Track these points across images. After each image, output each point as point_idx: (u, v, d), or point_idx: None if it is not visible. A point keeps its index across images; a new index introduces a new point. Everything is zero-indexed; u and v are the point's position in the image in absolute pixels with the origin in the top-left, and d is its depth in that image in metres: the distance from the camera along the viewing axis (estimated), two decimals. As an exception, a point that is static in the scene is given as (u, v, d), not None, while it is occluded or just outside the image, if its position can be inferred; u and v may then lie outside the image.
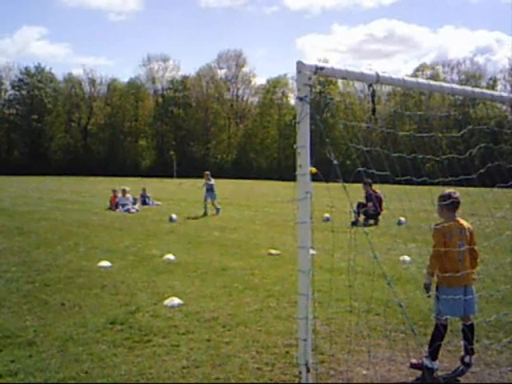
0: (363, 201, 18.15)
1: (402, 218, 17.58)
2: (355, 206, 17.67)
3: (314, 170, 4.07)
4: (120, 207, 22.50)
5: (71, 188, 40.38)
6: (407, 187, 6.46)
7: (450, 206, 5.51)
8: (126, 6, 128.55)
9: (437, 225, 5.58)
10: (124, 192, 23.48)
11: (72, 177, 67.04)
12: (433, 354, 5.42)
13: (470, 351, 5.54)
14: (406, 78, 4.59)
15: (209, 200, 21.34)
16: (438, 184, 5.85)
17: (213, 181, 21.89)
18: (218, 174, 65.23)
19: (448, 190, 5.60)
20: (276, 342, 6.23)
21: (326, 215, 17.70)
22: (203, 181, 21.97)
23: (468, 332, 5.56)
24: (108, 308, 7.63)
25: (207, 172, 22.44)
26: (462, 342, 5.73)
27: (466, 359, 5.56)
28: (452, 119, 66.03)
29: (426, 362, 5.41)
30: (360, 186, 17.52)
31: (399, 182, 5.62)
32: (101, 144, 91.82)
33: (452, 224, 5.51)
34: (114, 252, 12.14)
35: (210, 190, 21.45)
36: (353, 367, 5.49)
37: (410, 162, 5.30)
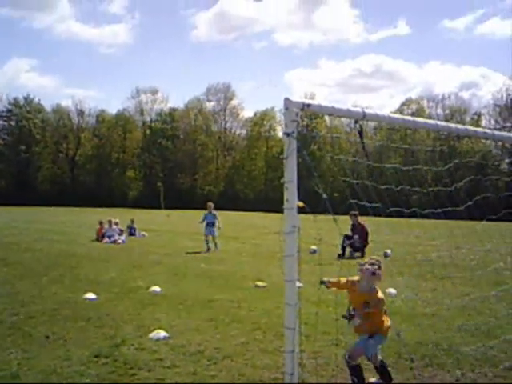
0: (349, 233, 18.21)
1: (388, 251, 17.65)
2: (342, 238, 17.72)
3: (300, 204, 4.12)
4: (106, 238, 22.41)
5: (58, 219, 40.11)
6: (394, 220, 6.53)
7: None
8: (117, 38, 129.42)
9: None
10: (110, 223, 23.43)
11: (59, 207, 66.57)
12: None
13: None
14: (391, 115, 4.68)
15: (210, 236, 19.90)
16: (421, 217, 5.91)
17: (216, 214, 20.53)
18: (206, 206, 65.18)
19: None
20: (262, 376, 6.19)
21: (313, 247, 17.70)
22: (201, 214, 20.66)
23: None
24: (93, 341, 7.55)
25: (210, 203, 21.14)
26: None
27: None
28: (437, 153, 66.70)
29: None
30: (347, 218, 17.62)
31: (385, 215, 5.68)
32: (88, 175, 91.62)
33: None
34: (99, 284, 12.05)
35: (211, 224, 20.13)
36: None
37: (396, 194, 5.38)
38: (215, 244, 20.01)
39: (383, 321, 5.77)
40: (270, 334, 7.93)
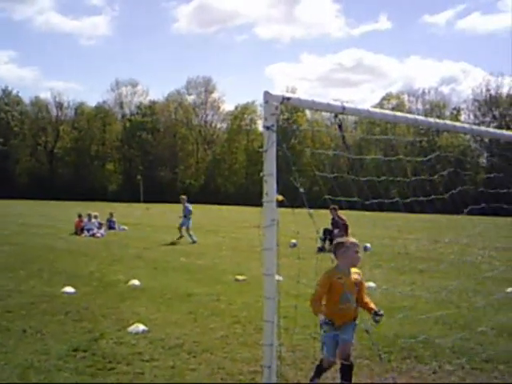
0: (329, 227, 18.27)
1: (368, 244, 17.76)
2: (322, 232, 17.78)
3: (280, 197, 4.11)
4: (85, 232, 22.26)
5: (36, 212, 39.76)
6: (374, 213, 6.56)
7: None
8: (97, 30, 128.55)
9: None
10: (90, 216, 23.28)
11: (37, 201, 65.99)
12: None
13: None
14: (371, 109, 4.68)
15: (184, 227, 20.45)
16: (401, 211, 5.92)
17: (190, 207, 21.04)
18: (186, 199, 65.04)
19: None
20: (241, 369, 6.19)
21: (293, 241, 17.76)
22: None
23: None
24: (71, 335, 7.49)
25: (183, 196, 21.67)
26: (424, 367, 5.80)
27: None
28: (417, 147, 67.26)
29: None
30: (326, 212, 17.68)
31: (365, 209, 5.69)
32: (67, 168, 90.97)
33: None
34: (78, 278, 11.96)
35: (185, 216, 20.66)
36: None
37: (376, 187, 5.40)
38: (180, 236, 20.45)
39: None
40: (249, 328, 7.93)
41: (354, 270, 5.51)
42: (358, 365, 6.30)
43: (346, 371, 5.38)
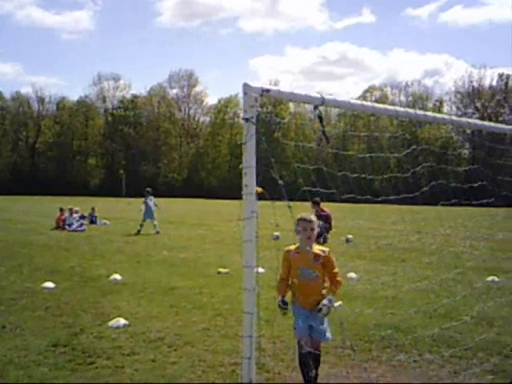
0: (313, 219, 18.27)
1: (350, 236, 17.83)
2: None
3: (259, 189, 4.09)
4: (67, 227, 22.11)
5: (17, 207, 39.41)
6: (356, 205, 6.56)
7: None
8: (79, 25, 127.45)
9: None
10: (71, 211, 23.11)
11: (19, 196, 65.40)
12: None
13: None
14: (351, 100, 4.66)
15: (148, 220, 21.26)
16: (383, 202, 5.93)
17: (151, 200, 21.67)
18: (169, 193, 64.81)
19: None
20: (222, 361, 6.17)
21: (276, 233, 17.74)
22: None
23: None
24: (51, 330, 7.42)
25: (148, 189, 22.24)
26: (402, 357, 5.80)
27: None
28: (400, 139, 67.55)
29: None
30: (308, 204, 17.71)
31: (348, 201, 5.69)
32: (49, 163, 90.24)
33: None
34: (59, 273, 11.86)
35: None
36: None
37: (359, 180, 5.39)
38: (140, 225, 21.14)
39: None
40: (231, 320, 7.92)
41: (318, 247, 5.41)
42: (338, 354, 6.33)
43: (316, 360, 5.35)
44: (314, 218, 5.39)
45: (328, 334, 5.33)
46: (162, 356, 6.36)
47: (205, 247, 16.82)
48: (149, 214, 21.25)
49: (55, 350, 6.55)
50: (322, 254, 5.30)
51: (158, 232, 20.80)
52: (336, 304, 5.39)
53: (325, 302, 5.08)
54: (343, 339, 6.45)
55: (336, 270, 5.33)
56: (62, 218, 22.77)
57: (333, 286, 5.26)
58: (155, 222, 21.23)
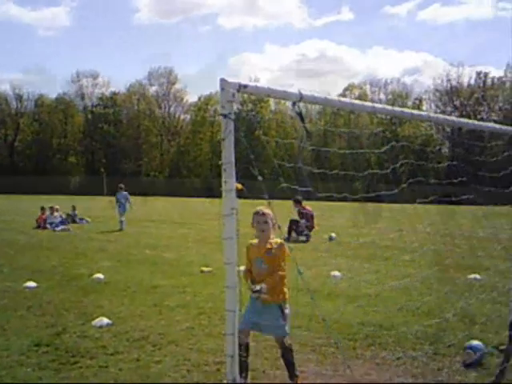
0: (296, 218, 18.35)
1: (333, 234, 17.90)
2: (288, 222, 17.86)
3: (239, 186, 4.09)
4: (48, 226, 21.91)
5: (-4, 206, 38.95)
6: (339, 204, 6.58)
7: None
8: (56, 21, 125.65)
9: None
10: (52, 210, 22.92)
11: (-3, 195, 64.70)
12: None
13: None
14: (328, 97, 4.67)
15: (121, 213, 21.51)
16: (366, 201, 5.95)
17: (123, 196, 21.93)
18: (151, 191, 64.53)
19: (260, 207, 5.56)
20: (207, 360, 6.18)
21: (258, 232, 17.78)
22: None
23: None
24: (33, 330, 7.37)
25: (121, 184, 22.39)
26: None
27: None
28: (380, 137, 67.91)
29: None
30: (289, 202, 17.79)
31: (329, 199, 5.71)
32: (28, 161, 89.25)
33: None
34: (40, 272, 11.76)
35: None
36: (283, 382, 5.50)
37: (339, 179, 5.41)
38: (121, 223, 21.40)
39: (285, 283, 5.41)
40: (215, 319, 7.92)
41: (276, 240, 5.44)
42: (323, 353, 6.36)
43: (287, 353, 5.41)
44: (267, 211, 5.38)
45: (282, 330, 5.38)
46: (146, 355, 6.35)
47: (187, 246, 16.79)
48: (121, 208, 21.64)
49: (38, 350, 6.51)
50: (275, 247, 5.37)
51: (121, 229, 21.06)
52: (286, 309, 5.40)
53: (258, 287, 5.12)
54: (328, 337, 6.49)
55: (283, 263, 5.35)
56: (43, 217, 22.56)
57: (270, 277, 5.27)
58: (122, 218, 21.49)
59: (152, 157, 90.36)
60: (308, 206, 18.56)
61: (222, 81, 3.95)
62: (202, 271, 11.90)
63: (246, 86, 3.99)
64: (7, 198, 54.36)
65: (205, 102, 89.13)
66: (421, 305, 8.31)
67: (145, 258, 14.18)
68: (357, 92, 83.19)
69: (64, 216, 23.46)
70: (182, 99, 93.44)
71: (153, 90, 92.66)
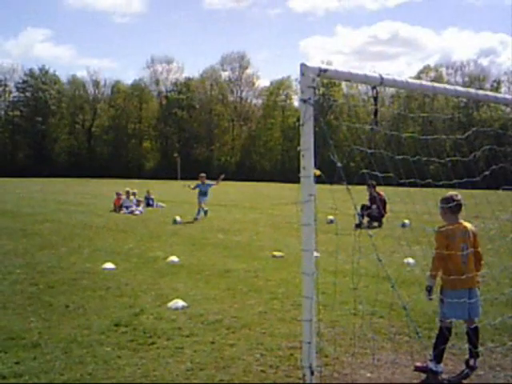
0: (367, 203, 18.12)
1: (406, 221, 17.56)
2: (359, 208, 17.64)
3: (317, 172, 4.06)
4: (124, 209, 22.52)
5: (75, 190, 40.41)
6: (411, 189, 6.46)
7: (453, 208, 5.48)
8: (131, 7, 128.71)
9: (440, 227, 5.56)
10: (128, 194, 23.55)
11: (76, 179, 67.05)
12: (437, 357, 5.40)
13: (474, 354, 5.52)
14: (410, 80, 4.58)
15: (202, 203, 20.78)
16: (442, 186, 5.79)
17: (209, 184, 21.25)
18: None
19: (450, 192, 5.56)
20: (280, 345, 6.22)
21: (330, 217, 17.70)
22: (194, 182, 21.60)
23: (472, 335, 5.52)
24: (112, 310, 7.62)
25: (202, 174, 21.61)
26: (466, 345, 5.70)
27: (471, 362, 5.54)
28: (456, 121, 65.97)
29: (431, 365, 5.40)
30: (364, 188, 17.51)
31: (403, 185, 5.60)
32: (105, 146, 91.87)
33: (455, 226, 5.49)
34: (117, 254, 12.14)
35: (204, 193, 20.78)
36: (357, 370, 5.48)
37: (413, 164, 5.29)
38: (205, 212, 20.58)
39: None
40: (287, 304, 7.95)
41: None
42: (397, 341, 6.28)
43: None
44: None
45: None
46: (221, 338, 6.46)
47: (259, 230, 16.89)
48: (203, 197, 20.90)
49: (117, 330, 6.73)
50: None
51: (206, 213, 20.60)
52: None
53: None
54: (402, 325, 6.40)
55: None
56: (119, 201, 23.20)
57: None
58: (205, 208, 20.82)
59: (224, 142, 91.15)
60: (381, 191, 18.26)
61: (303, 65, 3.91)
62: (273, 256, 11.96)
63: (326, 71, 3.95)
64: (85, 182, 56.23)
65: (276, 87, 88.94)
66: (500, 295, 8.05)
67: (217, 242, 14.38)
68: (432, 74, 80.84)
69: (140, 200, 24.03)
70: (254, 84, 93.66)
71: (225, 75, 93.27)
